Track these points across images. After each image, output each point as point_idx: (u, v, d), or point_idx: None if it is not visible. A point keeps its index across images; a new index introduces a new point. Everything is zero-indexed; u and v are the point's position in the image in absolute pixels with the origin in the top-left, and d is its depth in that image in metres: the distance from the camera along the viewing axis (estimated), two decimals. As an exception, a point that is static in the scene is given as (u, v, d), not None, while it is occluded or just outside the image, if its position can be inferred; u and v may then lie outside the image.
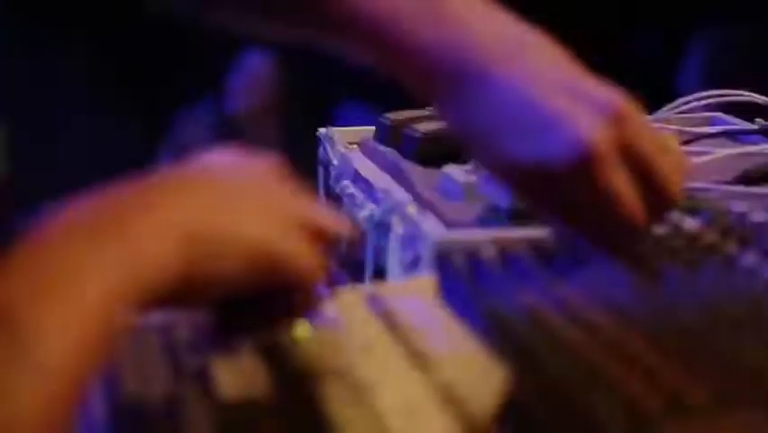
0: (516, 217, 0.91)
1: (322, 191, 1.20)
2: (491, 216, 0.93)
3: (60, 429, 0.50)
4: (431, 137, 1.10)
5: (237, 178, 0.65)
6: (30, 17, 2.61)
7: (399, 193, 1.00)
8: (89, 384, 0.53)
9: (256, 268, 0.61)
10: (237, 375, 0.64)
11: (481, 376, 0.64)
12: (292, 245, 0.63)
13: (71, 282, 0.53)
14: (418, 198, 0.99)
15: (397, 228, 0.94)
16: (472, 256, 0.76)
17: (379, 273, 1.01)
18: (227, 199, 0.62)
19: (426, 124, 1.12)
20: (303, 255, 0.63)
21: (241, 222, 0.61)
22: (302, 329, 0.71)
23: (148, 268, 0.56)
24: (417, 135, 1.11)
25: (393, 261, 0.96)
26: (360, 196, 1.06)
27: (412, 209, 0.94)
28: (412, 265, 0.92)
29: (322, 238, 0.65)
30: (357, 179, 1.10)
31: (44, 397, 0.50)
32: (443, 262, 0.77)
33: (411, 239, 0.92)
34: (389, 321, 0.72)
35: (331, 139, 1.19)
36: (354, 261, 1.08)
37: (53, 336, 0.51)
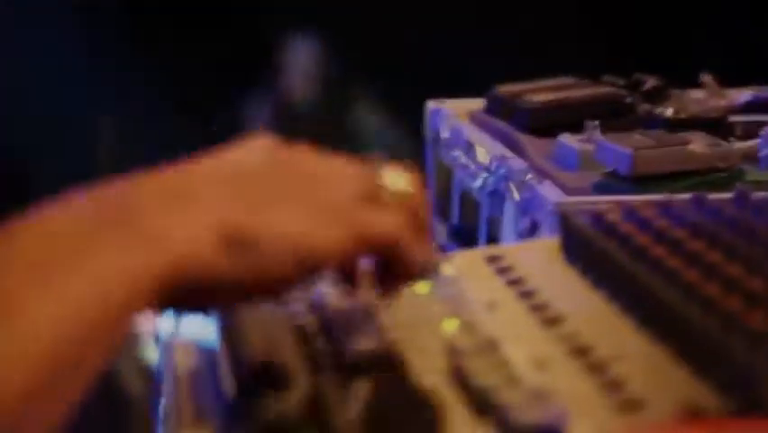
0: (635, 183, 0.89)
1: (431, 163, 1.19)
2: (610, 182, 0.91)
3: (43, 405, 0.47)
4: (544, 107, 1.08)
5: (276, 166, 0.59)
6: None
7: (515, 161, 0.98)
8: (89, 370, 0.50)
9: (303, 266, 0.57)
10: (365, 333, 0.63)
11: (607, 327, 0.63)
12: (336, 235, 0.57)
13: (76, 264, 0.50)
14: (533, 167, 0.97)
15: (514, 196, 0.93)
16: (595, 217, 0.74)
17: (493, 243, 0.99)
18: (267, 193, 0.57)
19: (538, 95, 1.11)
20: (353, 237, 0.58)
21: (282, 219, 0.56)
22: (422, 286, 0.70)
23: (179, 269, 0.52)
24: (530, 106, 1.09)
25: (508, 228, 0.95)
26: (472, 165, 1.05)
27: (529, 176, 0.92)
28: (528, 232, 0.90)
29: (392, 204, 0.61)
30: (469, 149, 1.09)
31: (23, 367, 0.47)
32: (567, 223, 0.75)
33: (528, 206, 0.91)
34: (511, 279, 0.71)
35: (440, 111, 1.18)
36: (466, 230, 1.07)
37: (41, 310, 0.48)
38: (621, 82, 1.12)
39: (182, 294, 0.53)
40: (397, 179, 0.62)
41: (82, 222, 0.52)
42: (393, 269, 0.62)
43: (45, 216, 0.52)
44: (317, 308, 0.67)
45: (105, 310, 0.50)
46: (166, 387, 0.64)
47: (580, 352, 0.60)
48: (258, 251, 0.55)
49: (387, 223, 0.59)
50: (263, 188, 0.57)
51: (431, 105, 1.19)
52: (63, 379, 0.48)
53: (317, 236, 0.57)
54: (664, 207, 0.74)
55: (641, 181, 0.89)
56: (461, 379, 0.57)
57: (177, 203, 0.54)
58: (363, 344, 0.61)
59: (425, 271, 0.64)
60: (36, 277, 0.49)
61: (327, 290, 0.68)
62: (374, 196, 0.60)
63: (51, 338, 0.48)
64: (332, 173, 0.60)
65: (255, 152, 0.59)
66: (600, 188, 0.90)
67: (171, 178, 0.56)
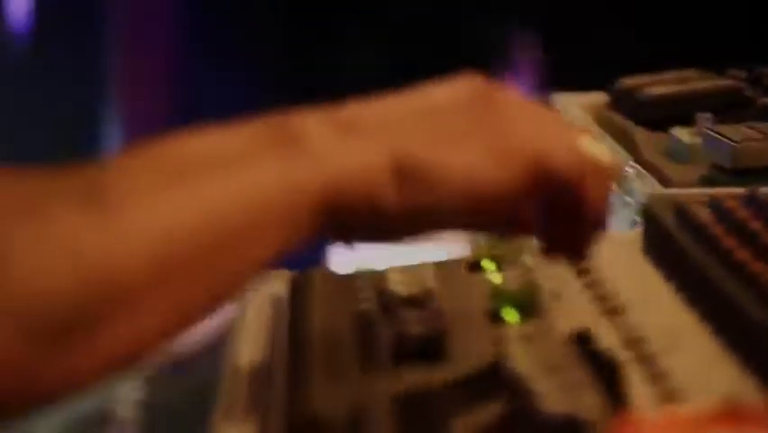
0: (738, 175, 0.87)
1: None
2: (713, 175, 0.88)
3: (172, 286, 0.46)
4: (658, 100, 1.06)
5: (469, 104, 0.55)
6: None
7: (620, 155, 0.97)
8: (234, 266, 0.48)
9: (472, 205, 0.53)
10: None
11: (668, 319, 0.61)
12: (508, 177, 0.53)
13: (232, 167, 0.48)
14: (641, 161, 0.95)
15: (616, 188, 0.91)
16: (681, 211, 0.73)
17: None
18: (450, 130, 0.54)
19: (657, 87, 1.08)
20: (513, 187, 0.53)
21: (458, 156, 0.53)
22: (495, 276, 0.70)
23: (344, 187, 0.50)
24: (645, 99, 1.07)
25: (613, 221, 0.93)
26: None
27: (629, 169, 0.91)
28: (626, 226, 0.89)
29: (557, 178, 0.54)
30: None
31: (156, 244, 0.45)
32: (645, 213, 0.74)
33: (630, 198, 0.89)
34: (582, 269, 0.69)
35: (561, 104, 1.16)
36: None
37: (186, 200, 0.47)
38: (743, 75, 1.09)
39: (343, 217, 0.51)
40: (595, 146, 0.57)
41: (243, 136, 0.50)
42: (568, 217, 0.56)
43: (204, 131, 0.50)
44: (381, 292, 0.67)
45: (263, 211, 0.48)
46: (225, 369, 0.65)
47: (635, 342, 0.59)
48: (427, 183, 0.52)
49: (568, 156, 0.54)
50: (447, 124, 0.54)
51: (553, 96, 1.18)
52: (200, 266, 0.47)
53: (491, 174, 0.53)
54: (749, 200, 0.72)
55: (744, 174, 0.87)
56: (502, 366, 0.57)
57: (350, 130, 0.52)
58: (413, 329, 0.60)
59: (597, 232, 0.58)
60: (188, 173, 0.47)
61: (393, 275, 0.68)
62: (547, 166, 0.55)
63: (192, 225, 0.46)
64: (527, 116, 0.56)
65: (454, 88, 0.56)
66: (702, 182, 0.88)
67: (349, 108, 0.54)
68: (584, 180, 0.55)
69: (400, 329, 0.61)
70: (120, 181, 0.46)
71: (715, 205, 0.72)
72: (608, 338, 0.59)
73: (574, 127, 0.58)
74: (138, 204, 0.45)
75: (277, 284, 0.72)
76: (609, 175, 0.57)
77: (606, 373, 0.54)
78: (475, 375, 0.57)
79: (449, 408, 0.54)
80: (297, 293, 0.69)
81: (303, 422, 0.54)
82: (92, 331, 0.44)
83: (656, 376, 0.55)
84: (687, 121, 1.01)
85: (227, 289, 0.49)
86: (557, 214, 0.56)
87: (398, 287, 0.66)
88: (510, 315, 0.63)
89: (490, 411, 0.54)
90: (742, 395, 0.53)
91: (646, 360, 0.57)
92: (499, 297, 0.65)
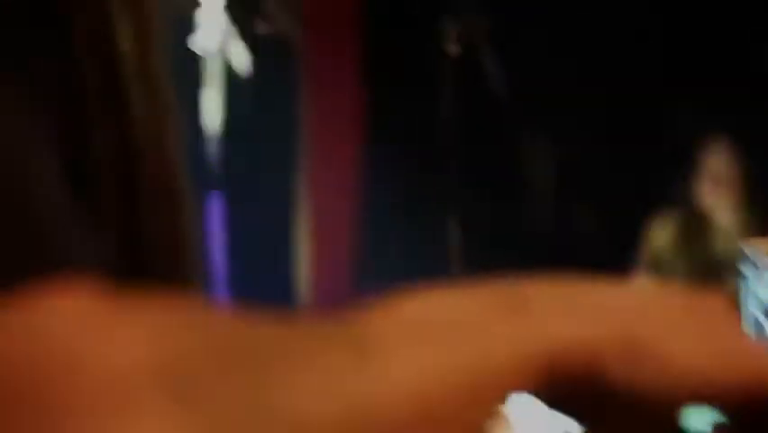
0: None
1: (743, 309, 1.12)
2: None
3: None
4: None
5: (687, 303, 0.51)
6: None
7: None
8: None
9: (685, 394, 0.49)
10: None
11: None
12: (725, 374, 0.49)
13: (460, 329, 0.47)
14: None
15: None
16: None
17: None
18: (665, 321, 0.51)
19: None
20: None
21: (679, 343, 0.50)
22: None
23: (571, 357, 0.47)
24: None
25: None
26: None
27: None
28: None
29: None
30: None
31: (390, 407, 0.43)
32: None
33: None
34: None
35: (753, 252, 1.08)
36: None
37: (415, 360, 0.45)
38: None
39: (563, 385, 0.49)
40: None
41: (476, 302, 0.49)
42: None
43: (439, 293, 0.50)
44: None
45: (495, 374, 0.47)
46: None
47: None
48: (650, 366, 0.50)
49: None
50: (673, 318, 0.51)
51: (743, 244, 1.07)
52: (436, 421, 0.45)
53: (708, 364, 0.50)
54: None
55: None
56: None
57: (577, 303, 0.51)
58: None
59: None
60: (434, 335, 0.47)
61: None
62: None
63: (436, 381, 0.45)
64: (737, 324, 0.51)
65: (680, 290, 0.53)
66: None
67: (575, 282, 0.52)
68: None
69: None
70: (375, 335, 0.48)
71: None
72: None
73: None
74: (394, 357, 0.47)
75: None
76: None
77: None
78: None
79: None
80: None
81: None
82: None
83: None
84: None
85: None
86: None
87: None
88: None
89: None
90: None
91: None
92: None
